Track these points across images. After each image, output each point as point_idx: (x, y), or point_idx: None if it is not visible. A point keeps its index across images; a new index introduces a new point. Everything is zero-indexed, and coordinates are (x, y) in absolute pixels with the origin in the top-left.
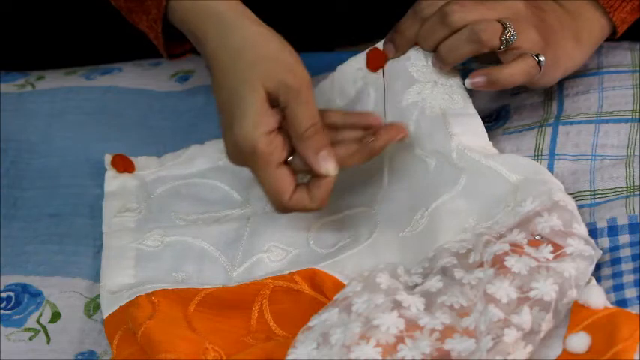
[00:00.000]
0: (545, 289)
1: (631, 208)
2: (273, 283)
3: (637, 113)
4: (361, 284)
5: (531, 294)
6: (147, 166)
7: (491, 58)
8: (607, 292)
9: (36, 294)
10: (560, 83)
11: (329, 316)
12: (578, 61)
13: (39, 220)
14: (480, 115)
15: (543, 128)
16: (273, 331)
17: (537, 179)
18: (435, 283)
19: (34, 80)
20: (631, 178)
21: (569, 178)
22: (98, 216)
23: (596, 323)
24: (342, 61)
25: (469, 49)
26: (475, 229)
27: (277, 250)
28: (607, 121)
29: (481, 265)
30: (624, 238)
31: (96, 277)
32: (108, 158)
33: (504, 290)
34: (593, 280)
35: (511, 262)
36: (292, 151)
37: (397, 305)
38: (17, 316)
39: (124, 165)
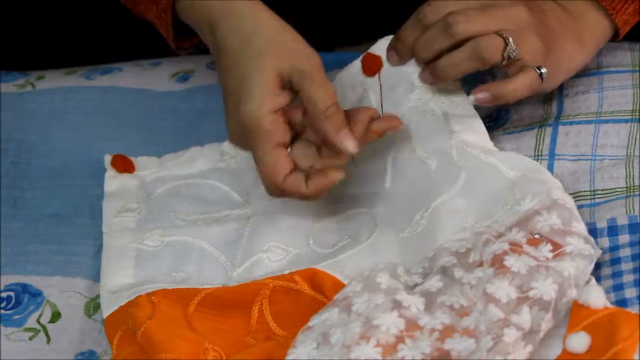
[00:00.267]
0: (545, 288)
1: (631, 208)
2: (273, 283)
3: (637, 113)
4: (361, 284)
5: (531, 294)
6: (147, 166)
7: None
8: (607, 292)
9: (36, 294)
10: (560, 83)
11: (329, 316)
12: (580, 63)
13: (39, 220)
14: (480, 114)
15: (543, 128)
16: (273, 331)
17: (536, 177)
18: (434, 283)
19: (34, 80)
20: (631, 178)
21: (569, 178)
22: (98, 216)
23: (596, 323)
24: (342, 61)
25: (470, 66)
26: (474, 228)
27: (277, 250)
28: (607, 121)
29: (481, 264)
30: (624, 238)
31: (96, 277)
32: (108, 158)
33: (504, 290)
34: (593, 280)
35: (510, 261)
36: (293, 140)
37: (397, 305)
38: (17, 316)
39: (123, 165)
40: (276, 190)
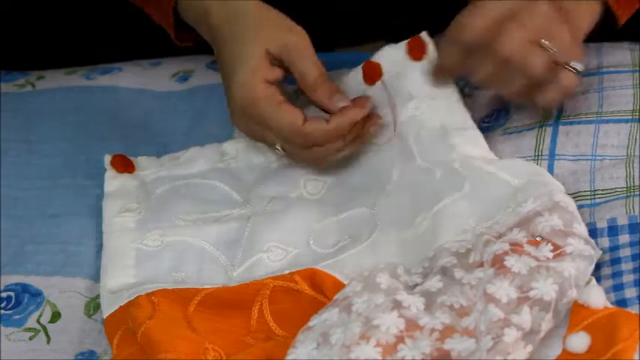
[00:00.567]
0: (545, 289)
1: (631, 208)
2: (273, 283)
3: (637, 113)
4: (361, 284)
5: (531, 294)
6: (147, 166)
7: None
8: (607, 292)
9: (36, 294)
10: None
11: (329, 316)
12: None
13: (39, 220)
14: (480, 114)
15: (543, 128)
16: (273, 331)
17: (538, 181)
18: (435, 283)
19: (34, 80)
20: (631, 178)
21: (570, 178)
22: (98, 216)
23: (596, 323)
24: (342, 61)
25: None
26: (475, 230)
27: (277, 250)
28: (607, 121)
29: (481, 265)
30: (624, 238)
31: (96, 277)
32: (107, 158)
33: (504, 290)
34: (593, 280)
35: (511, 261)
36: None
37: (397, 305)
38: (17, 316)
39: (123, 165)
40: (299, 137)
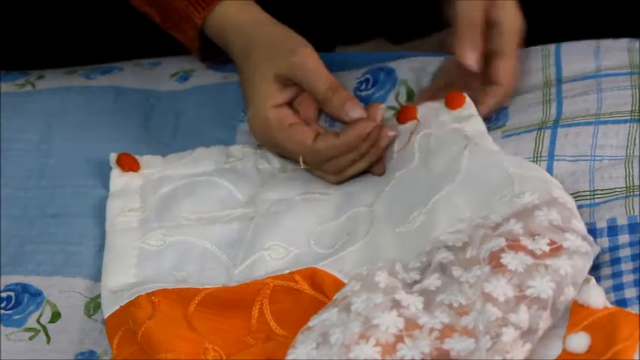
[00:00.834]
0: (542, 287)
1: (631, 208)
2: (274, 282)
3: (636, 114)
4: (360, 283)
5: (528, 292)
6: (152, 165)
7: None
8: (607, 292)
9: (36, 294)
10: (560, 86)
11: (328, 316)
12: None
13: (39, 220)
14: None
15: (542, 130)
16: (274, 330)
17: (537, 176)
18: (433, 281)
19: (34, 80)
20: (630, 178)
21: (569, 178)
22: (99, 216)
23: (596, 323)
24: (341, 61)
25: None
26: (471, 220)
27: (278, 249)
28: (606, 122)
29: (478, 261)
30: (624, 238)
31: (96, 277)
32: (113, 157)
33: (501, 289)
34: (593, 280)
35: (507, 259)
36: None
37: (396, 304)
38: (17, 316)
39: (128, 163)
40: (310, 155)
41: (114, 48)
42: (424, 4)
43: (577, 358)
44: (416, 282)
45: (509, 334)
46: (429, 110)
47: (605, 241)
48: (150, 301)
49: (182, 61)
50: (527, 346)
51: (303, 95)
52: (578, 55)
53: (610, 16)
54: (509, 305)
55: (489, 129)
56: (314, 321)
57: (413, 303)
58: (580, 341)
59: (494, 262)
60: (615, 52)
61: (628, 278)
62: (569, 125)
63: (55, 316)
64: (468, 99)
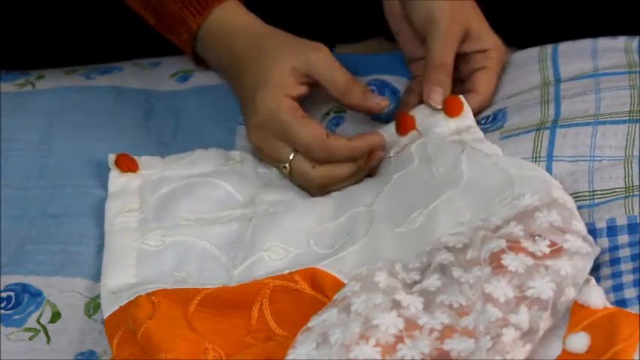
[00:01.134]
0: (542, 287)
1: (630, 208)
2: (274, 282)
3: (634, 114)
4: (359, 284)
5: (528, 293)
6: (151, 165)
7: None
8: (607, 292)
9: (36, 294)
10: (558, 86)
11: (328, 316)
12: None
13: (39, 220)
14: (475, 116)
15: (541, 131)
16: (274, 330)
17: (536, 176)
18: (433, 282)
19: (34, 80)
20: (630, 178)
21: (568, 178)
22: (98, 216)
23: (596, 323)
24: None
25: None
26: (472, 222)
27: (278, 250)
28: (604, 123)
29: (478, 262)
30: (623, 238)
31: (96, 277)
32: (111, 157)
33: (502, 289)
34: (593, 281)
35: (507, 260)
36: None
37: (396, 305)
38: (17, 316)
39: (127, 164)
40: (321, 149)
41: (114, 48)
42: None
43: (577, 358)
44: (416, 282)
45: (509, 334)
46: (427, 118)
47: (604, 242)
48: (150, 301)
49: (182, 61)
50: (528, 347)
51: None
52: (575, 55)
53: (607, 14)
54: (510, 306)
55: (487, 130)
56: (314, 321)
57: (413, 303)
58: (580, 341)
59: (495, 263)
60: (613, 51)
61: (628, 278)
62: (568, 126)
63: (55, 316)
64: (466, 105)
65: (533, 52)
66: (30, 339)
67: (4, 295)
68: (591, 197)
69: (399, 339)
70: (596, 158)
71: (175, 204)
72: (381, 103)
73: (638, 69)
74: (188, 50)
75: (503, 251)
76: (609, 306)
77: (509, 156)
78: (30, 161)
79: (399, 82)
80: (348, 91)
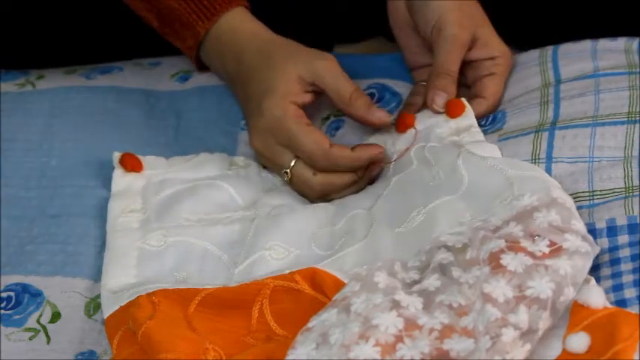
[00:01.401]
0: (541, 287)
1: (630, 208)
2: (274, 282)
3: (633, 115)
4: (359, 284)
5: (528, 293)
6: (155, 166)
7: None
8: (606, 292)
9: (36, 294)
10: (558, 87)
11: (328, 316)
12: None
13: (39, 220)
14: (478, 119)
15: (540, 133)
16: (274, 330)
17: (535, 176)
18: (433, 282)
19: (34, 79)
20: (629, 179)
21: (568, 179)
22: (99, 216)
23: (596, 323)
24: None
25: None
26: (471, 223)
27: (279, 249)
28: (603, 124)
29: (478, 262)
30: (623, 238)
31: (96, 277)
32: (116, 156)
33: (501, 289)
34: (593, 281)
35: (507, 260)
36: None
37: (396, 305)
38: (17, 316)
39: (132, 164)
40: (324, 157)
41: (114, 48)
42: None
43: (577, 358)
44: (415, 282)
45: (508, 334)
46: (428, 119)
47: (604, 242)
48: (150, 301)
49: (182, 61)
50: (527, 347)
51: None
52: (575, 57)
53: (607, 15)
54: (509, 306)
55: (486, 132)
56: (314, 321)
57: (412, 303)
58: (580, 341)
59: (494, 262)
60: (613, 52)
61: (628, 278)
62: (567, 127)
63: (55, 316)
64: (468, 106)
65: (533, 54)
66: (30, 339)
67: (4, 295)
68: (591, 197)
69: (399, 339)
70: (595, 159)
71: (177, 206)
72: (383, 117)
73: (637, 70)
74: (192, 55)
75: (502, 251)
76: (609, 306)
77: (508, 157)
78: (30, 161)
79: (400, 86)
80: (353, 102)
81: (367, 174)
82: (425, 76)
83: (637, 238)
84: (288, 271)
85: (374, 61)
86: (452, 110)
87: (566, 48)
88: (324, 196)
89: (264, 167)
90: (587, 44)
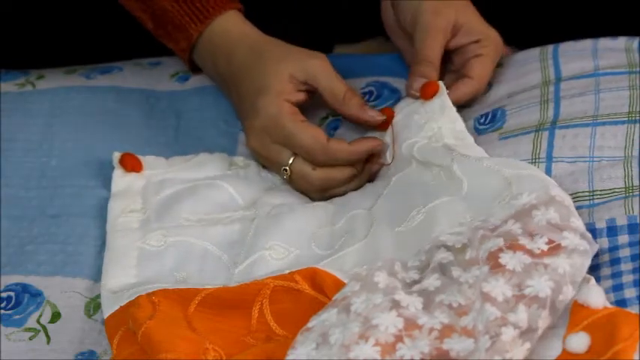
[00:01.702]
0: (540, 286)
1: (630, 208)
2: (274, 282)
3: (633, 115)
4: (359, 284)
5: (527, 291)
6: (155, 166)
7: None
8: (607, 292)
9: (36, 294)
10: (558, 85)
11: (328, 316)
12: None
13: (39, 220)
14: (474, 115)
15: (540, 132)
16: (274, 330)
17: (533, 175)
18: (433, 281)
19: (34, 79)
20: (629, 179)
21: (568, 179)
22: (99, 216)
23: (596, 323)
24: (341, 61)
25: None
26: (471, 224)
27: (279, 249)
28: (604, 124)
29: (477, 262)
30: (623, 238)
31: (96, 277)
32: (116, 156)
33: (500, 288)
34: (593, 280)
35: (505, 259)
36: None
37: (395, 305)
38: (17, 316)
39: (132, 164)
40: (322, 152)
41: (114, 48)
42: None
43: (577, 358)
44: (415, 281)
45: (508, 333)
46: (407, 107)
47: (604, 242)
48: (150, 301)
49: (182, 61)
50: (527, 346)
51: None
52: (576, 56)
53: (608, 15)
54: (508, 305)
55: (486, 131)
56: (313, 321)
57: (412, 303)
58: (580, 341)
59: (493, 262)
60: (614, 51)
61: (628, 278)
62: (567, 127)
63: (55, 316)
64: (442, 86)
65: (534, 51)
66: (30, 339)
67: (4, 295)
68: (591, 197)
69: (399, 339)
70: (596, 159)
71: (177, 206)
72: (376, 116)
73: (638, 69)
74: (185, 57)
75: (501, 250)
76: (609, 306)
77: (510, 157)
78: (30, 161)
79: (399, 83)
80: (346, 101)
81: (367, 168)
82: None
83: (637, 238)
84: (288, 271)
85: (373, 60)
86: (425, 92)
87: (567, 46)
88: (324, 191)
89: (264, 167)
90: (587, 43)
